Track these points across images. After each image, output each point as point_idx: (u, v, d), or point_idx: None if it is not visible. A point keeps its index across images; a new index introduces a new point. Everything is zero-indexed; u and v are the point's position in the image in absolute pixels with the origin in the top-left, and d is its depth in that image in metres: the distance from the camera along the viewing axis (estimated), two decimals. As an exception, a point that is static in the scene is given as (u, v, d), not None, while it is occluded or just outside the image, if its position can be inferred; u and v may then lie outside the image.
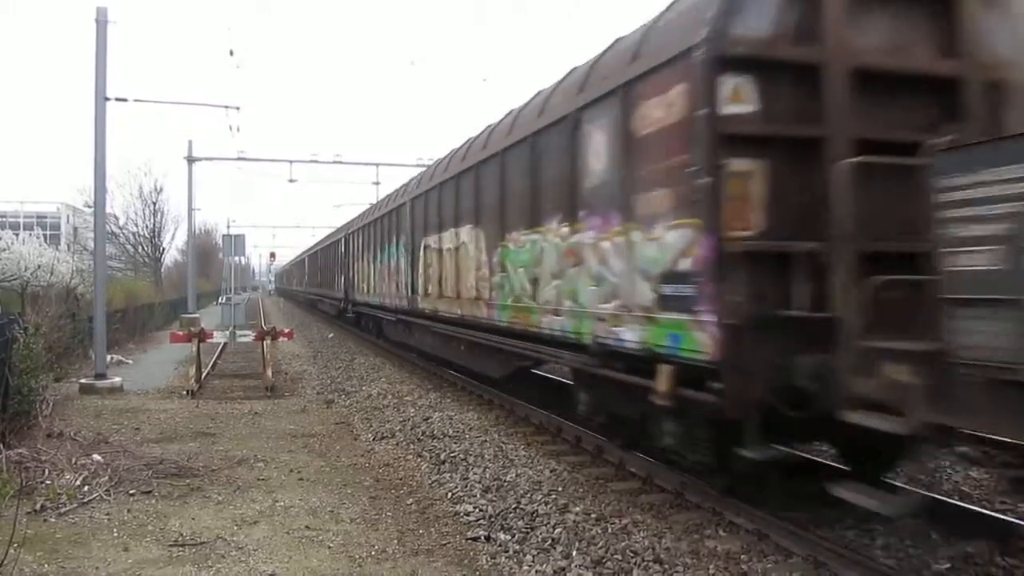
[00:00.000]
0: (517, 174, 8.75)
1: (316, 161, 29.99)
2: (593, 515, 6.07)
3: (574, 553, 5.28)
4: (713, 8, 5.16)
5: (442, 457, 8.21)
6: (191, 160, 29.65)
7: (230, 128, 31.73)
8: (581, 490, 6.82)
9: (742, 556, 5.15)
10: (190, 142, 29.88)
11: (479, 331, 10.35)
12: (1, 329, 8.93)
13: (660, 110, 5.71)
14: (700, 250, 5.14)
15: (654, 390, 5.66)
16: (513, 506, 6.37)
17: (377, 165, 32.19)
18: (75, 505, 6.43)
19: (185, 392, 13.14)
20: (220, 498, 6.76)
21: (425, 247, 13.24)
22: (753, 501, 5.67)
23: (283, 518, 6.19)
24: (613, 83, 6.48)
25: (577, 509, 6.22)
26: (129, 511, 6.35)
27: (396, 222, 16.09)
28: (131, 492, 6.87)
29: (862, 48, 5.22)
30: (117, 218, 47.34)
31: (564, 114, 7.40)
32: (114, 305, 20.86)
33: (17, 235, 25.58)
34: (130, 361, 18.21)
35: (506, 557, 5.28)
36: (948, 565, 4.81)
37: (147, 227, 51.00)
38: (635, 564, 5.07)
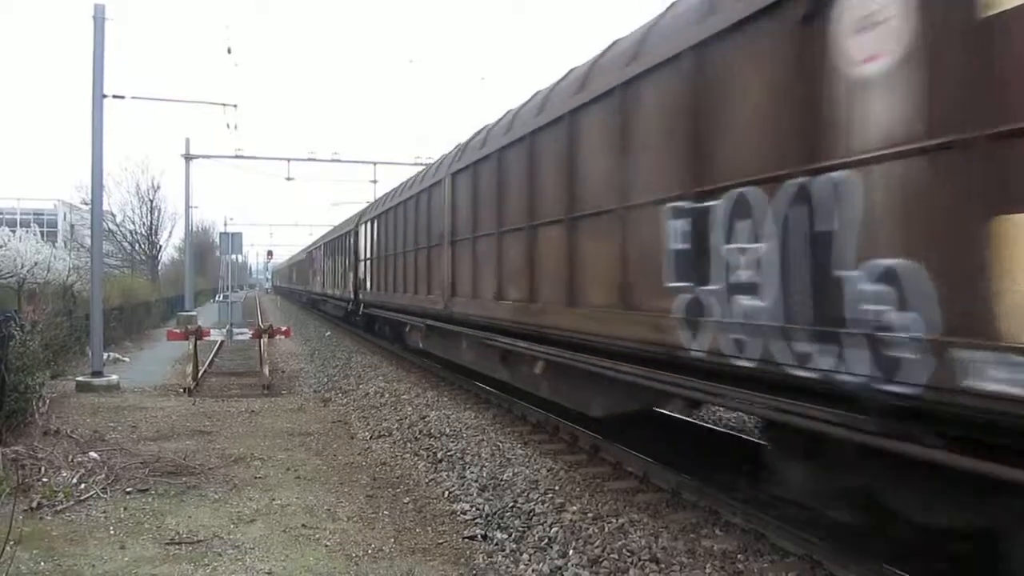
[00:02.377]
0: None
1: (314, 159, 30.00)
2: (590, 514, 6.07)
3: (571, 552, 5.29)
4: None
5: (439, 456, 8.21)
6: (188, 158, 29.62)
7: (228, 126, 31.89)
8: (578, 489, 6.82)
9: (738, 555, 5.16)
10: (187, 140, 29.91)
11: None
12: (-3, 326, 8.92)
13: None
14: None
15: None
16: (510, 505, 6.38)
17: (375, 163, 32.18)
18: (72, 503, 6.42)
19: (182, 390, 13.13)
20: (217, 496, 6.75)
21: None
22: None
23: (280, 516, 6.19)
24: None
25: (574, 508, 6.23)
26: (126, 509, 6.34)
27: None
28: (128, 490, 6.86)
29: None
30: (114, 215, 47.21)
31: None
32: (111, 303, 20.81)
33: (14, 232, 25.50)
34: (127, 359, 18.19)
35: (503, 556, 5.29)
36: (945, 565, 4.81)
37: (144, 224, 50.91)
38: (632, 563, 5.07)
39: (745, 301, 4.63)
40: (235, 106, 22.20)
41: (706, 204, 5.01)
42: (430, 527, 5.94)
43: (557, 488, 6.85)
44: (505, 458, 8.01)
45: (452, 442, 8.82)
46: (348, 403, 12.05)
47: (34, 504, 6.31)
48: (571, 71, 7.82)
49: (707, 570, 4.97)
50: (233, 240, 23.49)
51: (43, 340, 11.31)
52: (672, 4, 6.06)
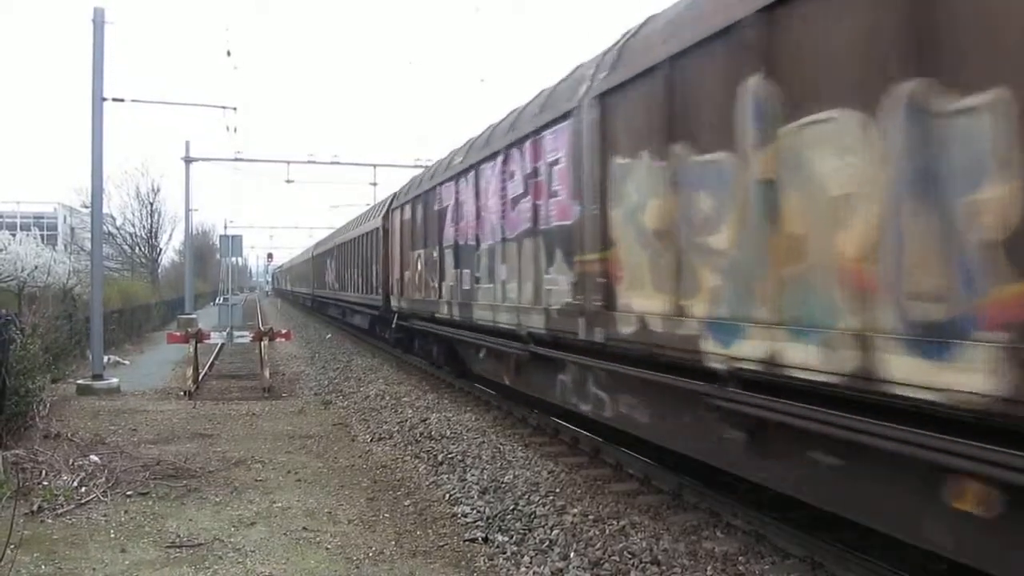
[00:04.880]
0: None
1: (313, 162, 29.98)
2: (591, 516, 6.07)
3: (572, 554, 5.29)
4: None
5: (440, 458, 8.21)
6: (188, 160, 29.62)
7: (227, 129, 31.85)
8: (579, 491, 6.82)
9: (739, 557, 5.16)
10: (187, 143, 29.86)
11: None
12: (-2, 330, 8.92)
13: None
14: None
15: None
16: (511, 507, 6.37)
17: (375, 166, 32.12)
18: (72, 506, 6.41)
19: (182, 393, 13.12)
20: (217, 499, 6.75)
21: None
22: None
23: (280, 519, 6.19)
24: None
25: (575, 510, 6.22)
26: (126, 512, 6.34)
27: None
28: (128, 493, 6.86)
29: None
30: (114, 218, 47.21)
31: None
32: (111, 306, 20.81)
33: (14, 235, 25.51)
34: (127, 362, 18.19)
35: (504, 558, 5.28)
36: (945, 566, 4.81)
37: (144, 228, 50.91)
38: (633, 565, 5.07)
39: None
40: (235, 109, 22.36)
41: None
42: (431, 530, 5.94)
43: (558, 490, 6.84)
44: (506, 460, 8.00)
45: (453, 444, 8.82)
46: (349, 406, 12.04)
47: (35, 507, 6.30)
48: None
49: (708, 572, 4.97)
50: (233, 243, 23.50)
51: (43, 344, 11.30)
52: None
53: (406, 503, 6.68)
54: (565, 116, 7.12)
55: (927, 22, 3.43)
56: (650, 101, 5.66)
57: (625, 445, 7.52)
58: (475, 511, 6.30)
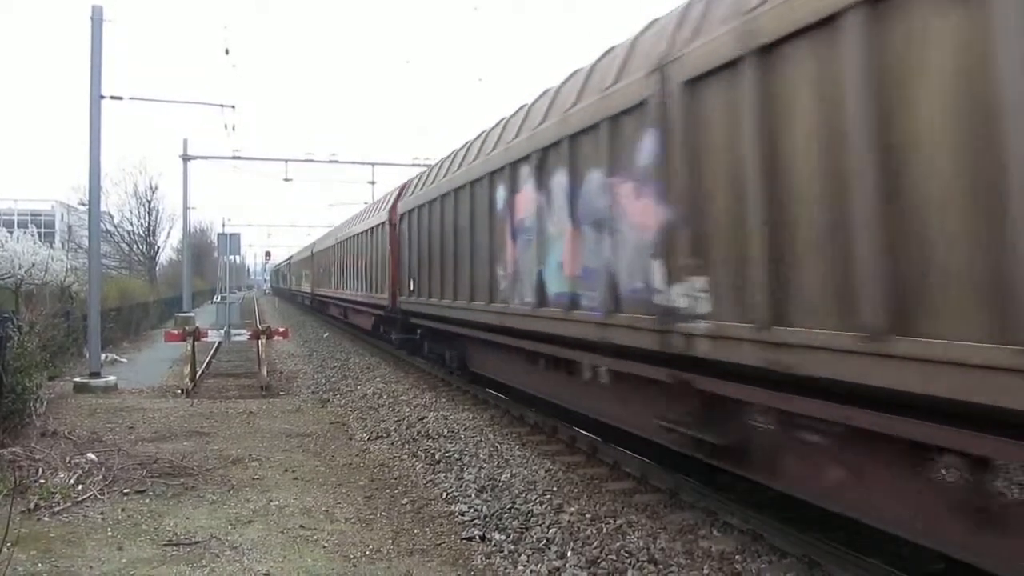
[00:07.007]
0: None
1: (312, 160, 30.03)
2: (588, 515, 6.07)
3: (569, 553, 5.29)
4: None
5: (437, 457, 8.21)
6: (186, 159, 29.61)
7: (225, 127, 31.84)
8: (576, 490, 6.83)
9: (736, 556, 5.17)
10: (185, 140, 29.87)
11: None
12: (-5, 327, 8.91)
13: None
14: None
15: None
16: (508, 506, 6.38)
17: (373, 164, 32.23)
18: (69, 504, 6.41)
19: (180, 391, 13.12)
20: (215, 497, 6.74)
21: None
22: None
23: (278, 517, 6.18)
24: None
25: (572, 509, 6.23)
26: (123, 510, 6.33)
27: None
28: (125, 491, 6.85)
29: None
30: (112, 216, 47.21)
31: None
32: (109, 303, 20.78)
33: (11, 233, 25.45)
34: (125, 360, 18.17)
35: (501, 557, 5.29)
36: (943, 565, 4.82)
37: (142, 225, 50.90)
38: (630, 564, 5.08)
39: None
40: (233, 107, 22.19)
41: None
42: (428, 528, 5.94)
43: (555, 489, 6.85)
44: (503, 459, 8.01)
45: (450, 443, 8.82)
46: (346, 404, 12.04)
47: (31, 505, 6.29)
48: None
49: (705, 571, 4.98)
50: (231, 241, 23.46)
51: (41, 341, 11.29)
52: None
53: (403, 501, 6.68)
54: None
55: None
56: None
57: (623, 444, 7.53)
58: (472, 509, 6.30)
